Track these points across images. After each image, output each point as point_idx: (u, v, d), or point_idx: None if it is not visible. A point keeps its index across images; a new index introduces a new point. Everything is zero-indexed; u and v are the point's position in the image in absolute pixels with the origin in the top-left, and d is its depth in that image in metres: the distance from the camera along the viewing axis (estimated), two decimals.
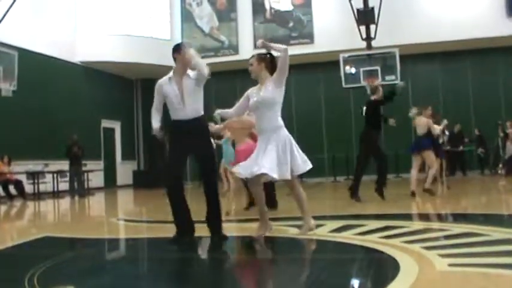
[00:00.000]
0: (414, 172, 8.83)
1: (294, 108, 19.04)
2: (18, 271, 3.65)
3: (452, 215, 6.64)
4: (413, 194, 8.53)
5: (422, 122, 9.12)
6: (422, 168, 9.22)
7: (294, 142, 4.69)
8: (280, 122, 4.71)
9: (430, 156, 8.85)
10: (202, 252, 4.65)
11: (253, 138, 6.93)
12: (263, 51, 4.83)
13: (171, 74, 4.83)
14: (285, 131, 4.68)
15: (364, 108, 8.47)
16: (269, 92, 4.64)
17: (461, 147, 14.30)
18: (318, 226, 5.27)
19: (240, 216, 6.90)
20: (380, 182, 8.27)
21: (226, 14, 18.91)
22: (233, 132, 7.03)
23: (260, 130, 4.76)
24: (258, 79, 4.80)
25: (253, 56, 4.86)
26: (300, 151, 4.71)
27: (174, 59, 4.80)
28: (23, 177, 13.25)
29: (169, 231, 4.83)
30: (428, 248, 3.81)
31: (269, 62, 4.81)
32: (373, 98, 8.53)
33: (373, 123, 8.38)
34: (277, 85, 4.65)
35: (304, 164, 4.67)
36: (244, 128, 6.79)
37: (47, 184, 14.06)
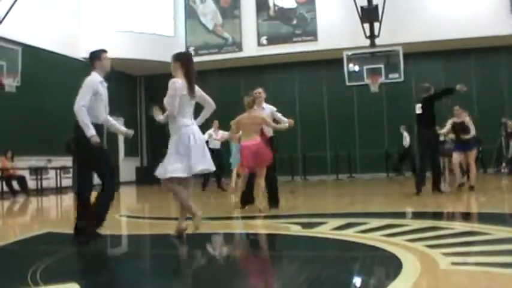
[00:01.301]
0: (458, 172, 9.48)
1: (297, 106, 19.02)
2: (21, 267, 3.66)
3: (455, 214, 6.62)
4: (460, 185, 9.36)
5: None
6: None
7: (184, 143, 4.46)
8: (179, 124, 4.53)
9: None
10: (205, 249, 4.64)
11: (263, 135, 6.90)
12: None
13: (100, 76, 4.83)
14: (180, 134, 4.50)
15: (420, 105, 8.53)
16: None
17: None
18: (320, 224, 5.28)
19: (248, 213, 6.90)
20: (437, 179, 8.67)
21: (229, 11, 18.88)
22: (243, 127, 6.92)
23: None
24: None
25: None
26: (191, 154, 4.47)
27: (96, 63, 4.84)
28: (26, 173, 13.27)
29: (172, 227, 4.83)
30: (431, 247, 3.79)
31: (185, 60, 4.68)
32: (424, 95, 8.71)
33: (428, 121, 8.48)
34: None
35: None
36: (256, 123, 6.74)
37: (50, 180, 14.08)
